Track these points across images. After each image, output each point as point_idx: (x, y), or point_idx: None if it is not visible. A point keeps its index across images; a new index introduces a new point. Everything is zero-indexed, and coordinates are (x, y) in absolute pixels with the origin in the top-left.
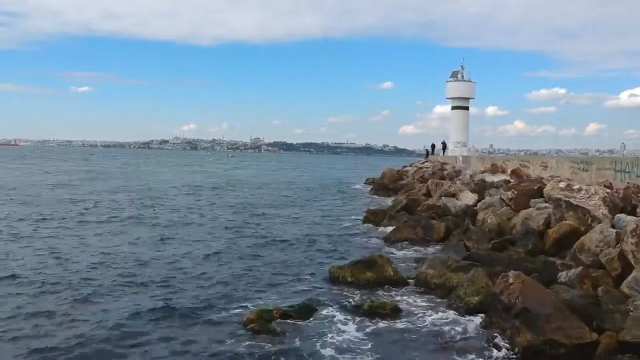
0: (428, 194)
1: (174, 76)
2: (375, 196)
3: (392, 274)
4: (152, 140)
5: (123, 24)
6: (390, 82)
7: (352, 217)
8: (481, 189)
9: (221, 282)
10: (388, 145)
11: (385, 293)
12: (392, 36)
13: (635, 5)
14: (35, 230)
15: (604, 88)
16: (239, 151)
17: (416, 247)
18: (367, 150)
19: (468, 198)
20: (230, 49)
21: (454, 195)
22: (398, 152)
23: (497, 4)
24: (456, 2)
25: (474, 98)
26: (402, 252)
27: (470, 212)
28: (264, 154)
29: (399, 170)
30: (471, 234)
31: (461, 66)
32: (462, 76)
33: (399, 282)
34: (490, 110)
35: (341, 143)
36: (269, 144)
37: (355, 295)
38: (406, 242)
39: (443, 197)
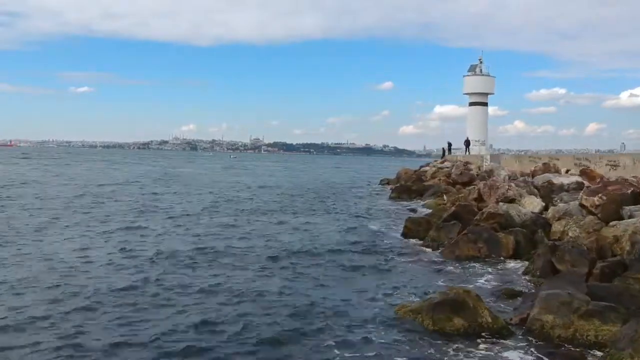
0: (479, 199)
1: (173, 76)
2: (399, 199)
3: (489, 320)
4: (151, 141)
5: (123, 24)
6: (390, 82)
7: (386, 226)
8: (547, 193)
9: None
10: (388, 146)
11: (487, 352)
12: (392, 36)
13: (635, 6)
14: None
15: (603, 88)
16: (238, 152)
17: (486, 269)
18: (367, 150)
19: (533, 204)
20: (230, 49)
21: (512, 201)
22: (398, 152)
23: (497, 4)
24: (456, 2)
25: (493, 93)
26: (473, 276)
27: (540, 222)
28: (264, 154)
29: (415, 171)
30: (563, 254)
31: (479, 60)
32: (481, 70)
33: (500, 332)
34: (490, 110)
35: (341, 143)
36: (268, 145)
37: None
38: (468, 261)
39: (501, 203)
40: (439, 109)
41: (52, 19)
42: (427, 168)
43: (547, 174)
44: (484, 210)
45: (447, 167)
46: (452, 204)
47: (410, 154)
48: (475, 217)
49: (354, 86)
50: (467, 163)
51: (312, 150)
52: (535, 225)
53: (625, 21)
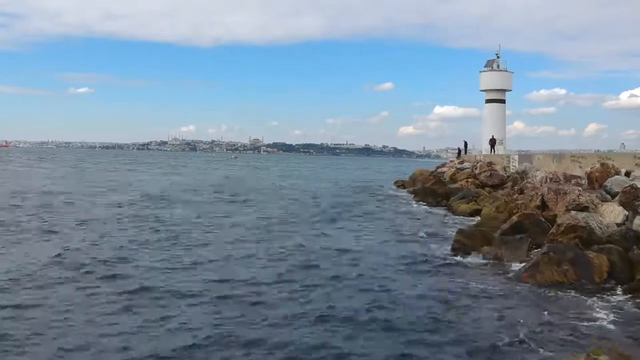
0: (542, 206)
1: (173, 77)
2: (424, 204)
3: None
4: (150, 142)
5: (122, 25)
6: (389, 83)
7: (427, 238)
8: (629, 199)
9: None
10: (387, 146)
11: None
12: (392, 37)
13: (635, 7)
14: None
15: (603, 89)
16: (238, 152)
17: (591, 301)
18: (367, 151)
19: (614, 213)
20: (229, 50)
21: (585, 209)
22: (397, 153)
23: (497, 5)
24: (456, 3)
25: (511, 90)
26: (585, 314)
27: (631, 236)
28: (263, 155)
29: (432, 172)
30: None
31: (496, 55)
32: (498, 65)
33: None
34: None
35: (340, 144)
36: (268, 145)
37: None
38: (556, 289)
39: (573, 212)
40: (438, 110)
41: (52, 19)
42: (444, 169)
43: (617, 177)
44: (560, 222)
45: (467, 168)
46: (509, 213)
47: (409, 154)
48: (551, 231)
49: (354, 87)
50: (490, 163)
51: (311, 150)
52: (626, 240)
53: (625, 22)
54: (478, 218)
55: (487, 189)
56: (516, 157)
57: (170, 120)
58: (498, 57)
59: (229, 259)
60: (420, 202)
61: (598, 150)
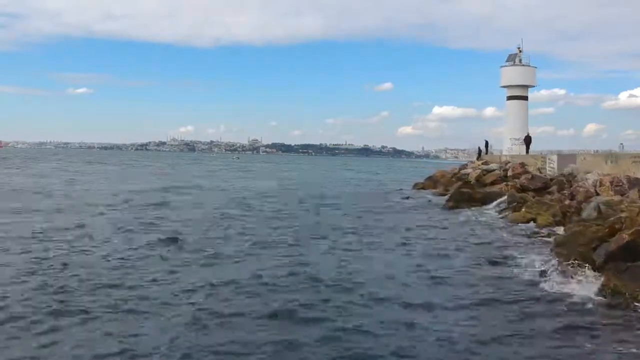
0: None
1: (172, 77)
2: (457, 209)
3: None
4: (149, 142)
5: (122, 25)
6: (389, 83)
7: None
8: None
9: None
10: (386, 147)
11: None
12: (391, 37)
13: (634, 7)
14: None
15: (603, 89)
16: (237, 152)
17: None
18: (366, 151)
19: None
20: (229, 50)
21: None
22: (397, 153)
23: (497, 5)
24: (456, 3)
25: (534, 86)
26: None
27: None
28: (262, 155)
29: (454, 173)
30: None
31: (518, 49)
32: (520, 60)
33: None
34: (489, 111)
35: (339, 144)
36: (267, 146)
37: None
38: None
39: None
40: (437, 110)
41: (51, 20)
42: (468, 170)
43: None
44: None
45: (495, 169)
46: (609, 229)
47: (408, 154)
48: None
49: (353, 87)
50: (522, 164)
51: (310, 151)
52: None
53: (624, 22)
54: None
55: (529, 193)
56: (554, 157)
57: (169, 120)
58: (520, 51)
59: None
60: (454, 208)
61: (597, 151)
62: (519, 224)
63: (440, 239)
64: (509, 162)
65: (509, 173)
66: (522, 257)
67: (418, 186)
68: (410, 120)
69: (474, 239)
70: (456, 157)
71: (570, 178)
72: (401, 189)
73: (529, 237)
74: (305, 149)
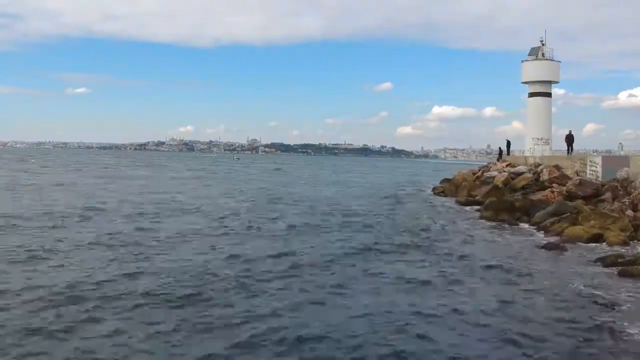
0: None
1: (171, 78)
2: (498, 221)
3: None
4: (148, 142)
5: (122, 25)
6: (388, 83)
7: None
8: None
9: None
10: (386, 146)
11: None
12: (391, 37)
13: (634, 7)
14: None
15: (602, 89)
16: (236, 152)
17: None
18: (365, 151)
19: None
20: (228, 50)
21: None
22: (396, 153)
23: (497, 5)
24: (456, 3)
25: (558, 82)
26: None
27: None
28: (261, 155)
29: (477, 176)
30: None
31: (541, 42)
32: (543, 54)
33: None
34: (488, 111)
35: (338, 144)
36: (266, 146)
37: None
38: None
39: None
40: (437, 110)
41: (51, 20)
42: (493, 173)
43: None
44: None
45: (524, 171)
46: None
47: (408, 154)
48: None
49: (353, 87)
50: (558, 167)
51: (309, 151)
52: None
53: (624, 22)
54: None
55: (578, 200)
56: (598, 159)
57: (168, 120)
58: (543, 45)
59: None
60: (494, 219)
61: (596, 150)
62: (581, 243)
63: (514, 276)
64: (540, 165)
65: (544, 177)
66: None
67: (437, 190)
68: (409, 120)
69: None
70: (455, 157)
71: (626, 184)
72: (422, 190)
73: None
74: (305, 149)
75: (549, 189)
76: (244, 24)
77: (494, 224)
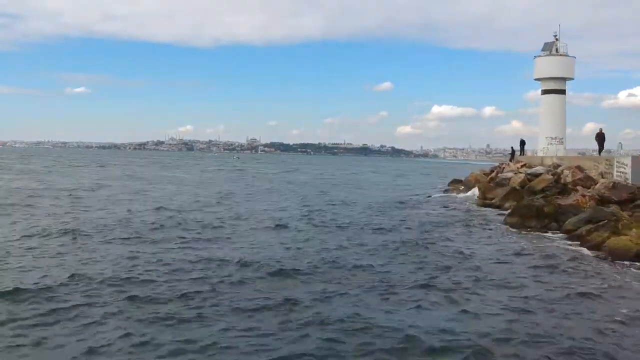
0: None
1: (171, 77)
2: (526, 228)
3: None
4: (147, 142)
5: (122, 25)
6: (388, 83)
7: None
8: None
9: None
10: (385, 146)
11: None
12: (391, 37)
13: (633, 7)
14: None
15: (602, 88)
16: (235, 152)
17: None
18: (364, 150)
19: None
20: (228, 50)
21: None
22: (395, 152)
23: (497, 5)
24: (456, 3)
25: (572, 78)
26: None
27: None
28: (261, 154)
29: (491, 177)
30: None
31: (555, 37)
32: (557, 50)
33: None
34: (488, 110)
35: (338, 144)
36: (265, 145)
37: None
38: None
39: None
40: (436, 109)
41: (51, 20)
42: (508, 174)
43: None
44: None
45: (541, 172)
46: None
47: (407, 154)
48: None
49: (352, 87)
50: (580, 168)
51: (309, 150)
52: None
53: (624, 22)
54: None
55: (612, 206)
56: (627, 160)
57: (167, 120)
58: (557, 40)
59: None
60: (521, 226)
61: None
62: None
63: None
64: (559, 165)
65: (567, 179)
66: None
67: (452, 190)
68: (409, 120)
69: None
70: (454, 156)
71: None
72: (435, 188)
73: None
74: (304, 149)
75: (580, 193)
76: (244, 24)
77: (523, 232)
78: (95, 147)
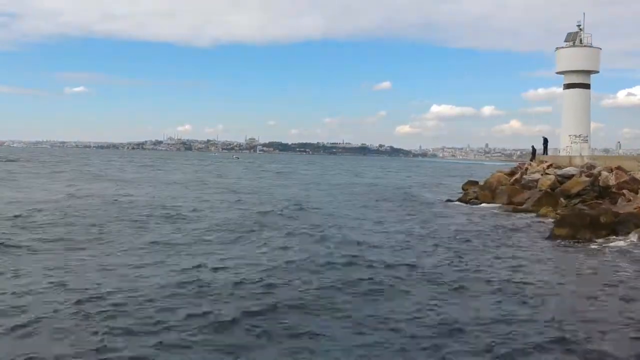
0: None
1: (170, 77)
2: (574, 239)
3: None
4: (146, 141)
5: (121, 25)
6: (387, 83)
7: None
8: None
9: None
10: (384, 145)
11: None
12: (390, 37)
13: (634, 7)
14: None
15: (601, 87)
16: (234, 151)
17: None
18: (363, 150)
19: None
20: (227, 50)
21: None
22: (394, 152)
23: (497, 5)
24: (456, 3)
25: (598, 71)
26: None
27: None
28: (259, 154)
29: (515, 179)
30: None
31: (578, 27)
32: (581, 40)
33: None
34: (487, 109)
35: (337, 143)
36: (264, 145)
37: None
38: None
39: None
40: (435, 109)
41: (50, 19)
42: (534, 175)
43: None
44: None
45: (573, 173)
46: None
47: (406, 153)
48: None
49: (351, 86)
50: (621, 169)
51: (307, 150)
52: None
53: (623, 22)
54: None
55: None
56: None
57: (166, 119)
58: (581, 30)
59: None
60: (569, 238)
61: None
62: None
63: None
64: (594, 166)
65: (610, 181)
66: None
67: (469, 197)
68: (408, 119)
69: None
70: (453, 156)
71: None
72: (449, 198)
73: None
74: (303, 148)
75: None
76: (244, 23)
77: (577, 245)
78: (94, 147)
